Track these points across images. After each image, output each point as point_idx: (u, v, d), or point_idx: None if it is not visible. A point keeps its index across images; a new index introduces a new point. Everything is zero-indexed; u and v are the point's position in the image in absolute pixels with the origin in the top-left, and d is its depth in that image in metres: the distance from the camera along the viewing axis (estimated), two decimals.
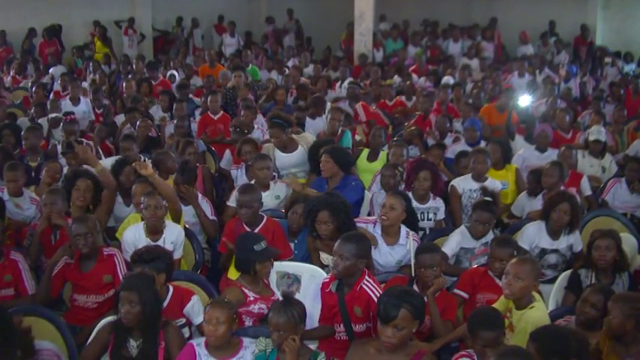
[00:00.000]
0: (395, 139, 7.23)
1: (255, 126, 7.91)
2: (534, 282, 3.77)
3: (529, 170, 6.17)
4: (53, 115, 8.15)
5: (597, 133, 7.13)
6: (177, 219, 5.00)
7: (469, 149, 6.66)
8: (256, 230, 4.75)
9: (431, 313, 3.93)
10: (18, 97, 10.50)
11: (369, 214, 5.53)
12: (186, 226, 5.17)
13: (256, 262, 4.05)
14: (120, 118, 8.68)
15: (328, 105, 8.61)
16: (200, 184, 6.07)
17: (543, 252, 4.87)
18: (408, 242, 4.64)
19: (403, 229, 4.73)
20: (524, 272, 3.69)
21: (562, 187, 5.59)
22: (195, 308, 3.97)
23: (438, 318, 3.97)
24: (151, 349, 3.56)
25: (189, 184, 5.42)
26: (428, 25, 15.43)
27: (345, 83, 10.63)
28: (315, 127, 8.00)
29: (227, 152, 7.25)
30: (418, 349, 3.44)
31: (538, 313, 3.70)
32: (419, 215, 5.33)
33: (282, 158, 6.40)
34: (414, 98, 9.71)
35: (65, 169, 6.08)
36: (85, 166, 6.08)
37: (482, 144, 7.00)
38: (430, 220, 5.44)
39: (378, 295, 3.67)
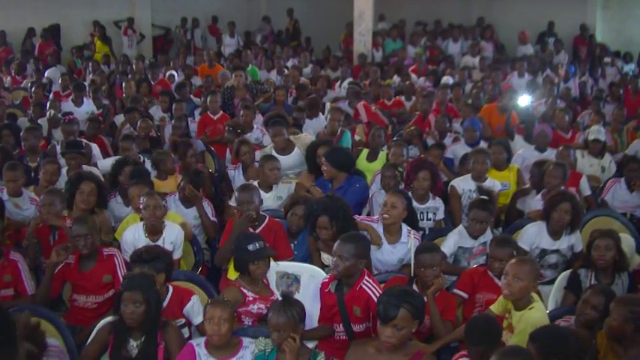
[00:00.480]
0: (395, 139, 7.23)
1: (255, 126, 7.92)
2: (533, 282, 3.77)
3: (534, 162, 6.18)
4: (51, 111, 8.16)
5: (597, 132, 7.14)
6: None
7: (469, 149, 6.66)
8: (258, 230, 4.76)
9: (430, 313, 3.93)
10: (17, 98, 10.50)
11: (368, 214, 5.53)
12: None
13: (249, 262, 4.04)
14: (119, 119, 8.68)
15: (328, 105, 8.61)
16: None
17: (544, 252, 4.86)
18: (409, 240, 4.65)
19: (404, 227, 4.74)
20: (524, 272, 3.69)
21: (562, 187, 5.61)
22: (195, 308, 3.97)
23: (438, 318, 3.97)
24: (151, 349, 3.56)
25: (196, 189, 5.45)
26: (424, 25, 15.40)
27: (345, 83, 10.63)
28: (313, 127, 8.00)
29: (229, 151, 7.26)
30: (417, 349, 3.44)
31: (537, 314, 3.70)
32: (418, 215, 5.34)
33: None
34: (414, 98, 9.71)
35: (65, 170, 6.09)
36: (88, 168, 6.11)
37: (482, 144, 7.00)
38: (429, 220, 5.44)
39: (378, 294, 3.68)
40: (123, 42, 14.81)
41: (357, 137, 7.70)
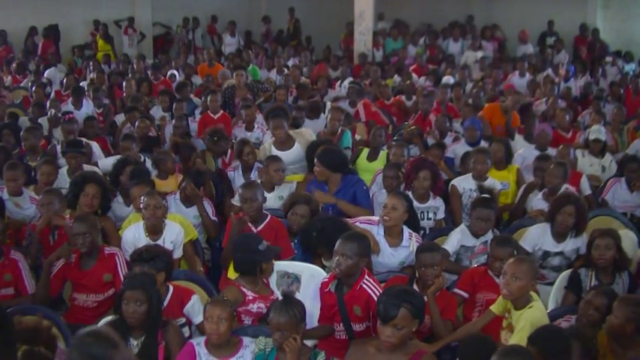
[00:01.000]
0: (395, 138, 7.23)
1: (256, 125, 7.92)
2: (532, 281, 3.76)
3: (536, 157, 6.20)
4: (52, 110, 8.16)
5: (597, 132, 7.13)
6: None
7: (469, 149, 6.65)
8: (260, 228, 4.77)
9: (431, 313, 3.93)
10: (18, 97, 10.50)
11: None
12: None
13: (262, 262, 4.04)
14: (120, 118, 8.68)
15: (328, 104, 8.61)
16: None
17: (546, 254, 4.86)
18: (410, 244, 4.64)
19: (406, 230, 4.71)
20: (522, 272, 3.68)
21: (567, 186, 5.62)
22: (195, 308, 3.97)
23: (438, 317, 3.97)
24: (151, 349, 3.56)
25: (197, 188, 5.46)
26: (427, 25, 15.40)
27: (346, 82, 10.63)
28: (313, 127, 7.99)
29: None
30: (418, 349, 3.44)
31: (537, 313, 3.70)
32: (419, 215, 5.33)
33: (279, 155, 6.36)
34: (414, 98, 9.71)
35: (64, 169, 6.09)
36: (89, 167, 6.10)
37: (483, 143, 7.00)
38: (430, 219, 5.43)
39: (378, 294, 3.68)
40: (123, 41, 14.82)
41: (357, 137, 7.70)
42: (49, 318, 3.92)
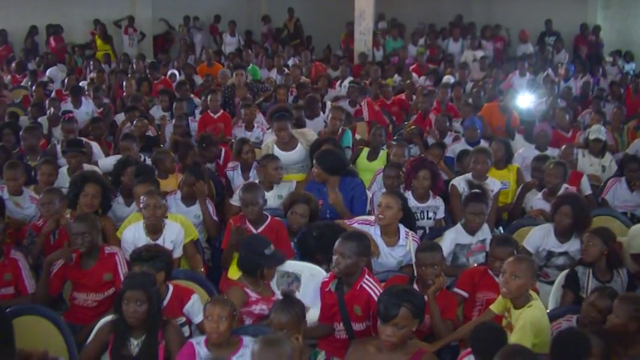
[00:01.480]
0: (395, 138, 7.22)
1: (255, 125, 7.92)
2: (531, 280, 3.77)
3: (534, 157, 6.21)
4: (51, 109, 8.15)
5: (597, 132, 7.13)
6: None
7: (470, 148, 6.65)
8: (260, 229, 4.77)
9: (431, 312, 3.93)
10: (18, 96, 10.49)
11: (369, 213, 5.51)
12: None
13: (265, 267, 4.05)
14: (120, 118, 8.68)
15: (328, 104, 8.60)
16: None
17: (550, 254, 4.86)
18: (407, 243, 4.64)
19: (402, 229, 4.72)
20: (521, 270, 3.69)
21: (567, 186, 5.63)
22: (195, 307, 3.97)
23: (438, 317, 3.97)
24: (151, 348, 3.56)
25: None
26: (428, 25, 15.40)
27: (346, 82, 10.63)
28: (314, 127, 7.98)
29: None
30: (418, 348, 3.44)
31: (536, 312, 3.70)
32: (418, 214, 5.34)
33: (281, 156, 6.34)
34: (414, 97, 9.71)
35: (64, 169, 6.09)
36: (89, 167, 6.09)
37: (483, 143, 7.00)
38: (430, 219, 5.43)
39: (378, 293, 3.68)
40: (123, 41, 14.81)
41: (357, 136, 7.69)
42: (48, 317, 3.94)
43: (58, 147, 6.88)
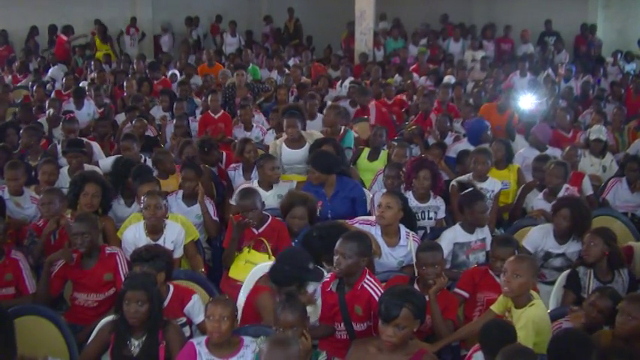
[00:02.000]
0: (396, 138, 7.21)
1: (255, 125, 7.91)
2: (532, 279, 3.77)
3: (535, 157, 6.21)
4: (51, 110, 8.16)
5: (598, 132, 7.13)
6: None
7: (472, 148, 6.65)
8: (261, 229, 4.77)
9: (432, 313, 3.92)
10: (19, 96, 10.49)
11: (369, 213, 5.51)
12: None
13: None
14: (120, 118, 8.68)
15: (328, 104, 8.58)
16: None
17: (548, 255, 4.86)
18: (408, 243, 4.64)
19: (403, 229, 4.72)
20: (522, 269, 3.69)
21: (568, 186, 5.62)
22: (196, 307, 3.97)
23: (439, 317, 3.97)
24: (152, 348, 3.56)
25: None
26: (427, 25, 15.40)
27: (346, 82, 10.63)
28: (314, 127, 7.97)
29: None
30: (419, 349, 3.44)
31: (538, 311, 3.71)
32: (419, 214, 5.34)
33: (289, 154, 6.34)
34: (415, 97, 9.70)
35: (65, 169, 6.09)
36: (89, 167, 6.09)
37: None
38: (431, 219, 5.43)
39: (379, 294, 3.68)
40: (125, 41, 14.81)
41: (355, 135, 7.67)
42: (49, 318, 3.94)
43: (59, 147, 6.88)
